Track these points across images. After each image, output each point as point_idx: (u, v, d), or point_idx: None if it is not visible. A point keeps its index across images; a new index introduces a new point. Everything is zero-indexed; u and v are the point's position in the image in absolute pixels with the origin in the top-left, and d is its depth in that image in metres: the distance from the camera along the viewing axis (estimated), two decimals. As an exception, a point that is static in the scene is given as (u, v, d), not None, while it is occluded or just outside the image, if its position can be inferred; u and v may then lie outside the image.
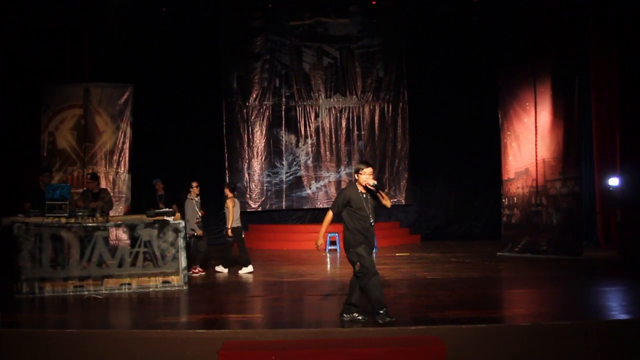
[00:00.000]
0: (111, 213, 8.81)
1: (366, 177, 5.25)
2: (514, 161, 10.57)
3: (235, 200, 8.84)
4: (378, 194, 5.31)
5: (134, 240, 7.32)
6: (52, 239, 6.95)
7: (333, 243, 11.84)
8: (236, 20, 13.68)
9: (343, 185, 13.88)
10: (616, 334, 4.96)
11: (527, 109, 10.36)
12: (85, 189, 8.94)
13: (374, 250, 9.92)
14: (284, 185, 13.85)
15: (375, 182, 5.25)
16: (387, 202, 5.40)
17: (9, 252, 6.94)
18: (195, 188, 8.70)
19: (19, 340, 4.96)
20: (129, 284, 7.12)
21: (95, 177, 8.74)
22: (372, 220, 5.27)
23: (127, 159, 10.93)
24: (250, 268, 8.69)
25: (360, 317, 5.26)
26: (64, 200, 7.19)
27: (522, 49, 12.28)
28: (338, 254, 11.32)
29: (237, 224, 8.76)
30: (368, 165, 5.32)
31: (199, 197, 8.78)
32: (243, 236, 8.98)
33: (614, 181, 9.86)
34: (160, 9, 12.67)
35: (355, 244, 5.23)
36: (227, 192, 8.86)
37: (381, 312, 5.12)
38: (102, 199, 8.47)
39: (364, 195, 5.30)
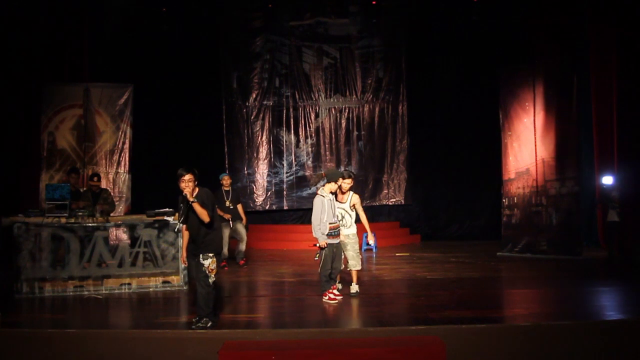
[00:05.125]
0: (111, 213, 8.83)
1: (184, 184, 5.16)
2: (514, 161, 10.57)
3: None
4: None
5: (134, 240, 7.32)
6: (52, 239, 6.94)
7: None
8: (236, 20, 13.67)
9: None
10: (616, 334, 4.96)
11: (527, 108, 10.37)
12: (85, 188, 8.97)
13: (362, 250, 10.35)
14: (284, 185, 13.85)
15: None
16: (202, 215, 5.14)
17: (9, 252, 6.93)
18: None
19: (19, 340, 4.95)
20: (129, 284, 7.13)
21: (100, 178, 8.89)
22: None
23: (127, 159, 10.93)
24: None
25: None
26: (64, 200, 7.19)
27: (522, 49, 12.28)
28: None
29: None
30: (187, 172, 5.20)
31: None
32: None
33: (607, 180, 9.82)
34: (160, 9, 12.67)
35: None
36: None
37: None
38: (105, 200, 8.52)
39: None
